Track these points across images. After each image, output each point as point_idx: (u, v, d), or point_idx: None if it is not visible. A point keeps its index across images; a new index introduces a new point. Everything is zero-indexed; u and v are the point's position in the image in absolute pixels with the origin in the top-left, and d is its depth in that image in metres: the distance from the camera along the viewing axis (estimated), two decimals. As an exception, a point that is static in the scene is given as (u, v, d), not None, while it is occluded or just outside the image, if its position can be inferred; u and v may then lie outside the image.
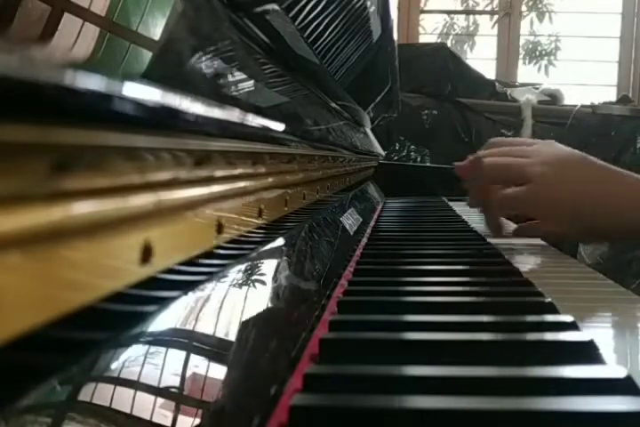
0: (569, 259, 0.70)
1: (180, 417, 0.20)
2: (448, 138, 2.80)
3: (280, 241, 0.41)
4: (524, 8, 3.61)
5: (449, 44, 3.45)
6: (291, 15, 0.53)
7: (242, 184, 0.33)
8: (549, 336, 0.34)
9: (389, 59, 1.31)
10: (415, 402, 0.26)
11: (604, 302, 0.48)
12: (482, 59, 3.58)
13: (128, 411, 0.18)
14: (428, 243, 0.69)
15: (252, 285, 0.32)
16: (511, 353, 0.32)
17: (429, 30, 3.73)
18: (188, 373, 0.22)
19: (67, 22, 0.17)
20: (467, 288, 0.47)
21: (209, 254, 0.28)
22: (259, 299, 0.33)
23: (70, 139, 0.16)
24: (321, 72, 0.73)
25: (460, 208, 1.09)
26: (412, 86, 2.67)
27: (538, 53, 3.67)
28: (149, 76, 0.20)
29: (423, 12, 3.67)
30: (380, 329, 0.36)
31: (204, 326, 0.25)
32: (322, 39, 0.69)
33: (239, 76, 0.33)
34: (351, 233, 0.68)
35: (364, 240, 0.72)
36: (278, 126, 0.36)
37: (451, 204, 1.21)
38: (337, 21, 0.72)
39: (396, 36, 1.30)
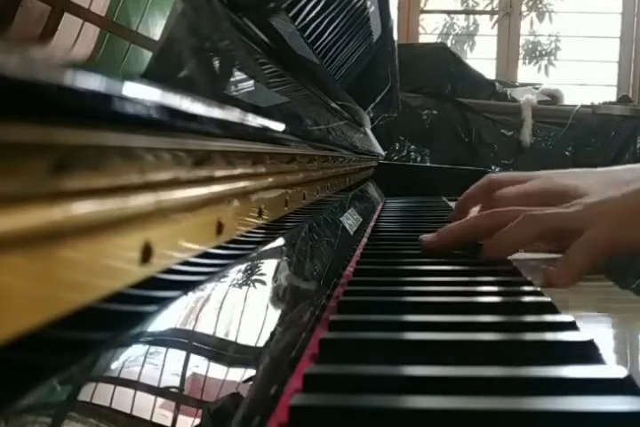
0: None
1: (180, 417, 0.20)
2: (448, 138, 2.80)
3: (280, 241, 0.41)
4: (524, 8, 3.61)
5: (449, 44, 3.45)
6: (291, 15, 0.53)
7: (242, 184, 0.33)
8: (549, 336, 0.34)
9: (389, 59, 1.31)
10: (415, 402, 0.26)
11: (605, 301, 0.48)
12: (482, 59, 3.58)
13: (128, 411, 0.18)
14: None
15: (252, 285, 0.32)
16: (511, 353, 0.32)
17: (429, 30, 3.74)
18: (188, 373, 0.22)
19: (67, 22, 0.17)
20: (467, 288, 0.47)
21: (209, 254, 0.28)
22: (259, 299, 0.33)
23: (70, 139, 0.16)
24: (321, 72, 0.73)
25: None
26: (412, 86, 2.67)
27: (538, 53, 3.67)
28: (149, 76, 0.20)
29: (423, 12, 3.67)
30: (380, 329, 0.36)
31: (204, 326, 0.25)
32: (322, 39, 0.69)
33: (239, 76, 0.33)
34: (351, 233, 0.68)
35: (364, 240, 0.72)
36: (278, 126, 0.36)
37: (451, 204, 1.21)
38: (337, 21, 0.72)
39: (395, 36, 1.30)
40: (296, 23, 0.56)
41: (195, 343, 0.24)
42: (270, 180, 0.40)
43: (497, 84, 3.04)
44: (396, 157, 2.74)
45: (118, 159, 0.19)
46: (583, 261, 0.52)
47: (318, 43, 0.68)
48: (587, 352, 0.32)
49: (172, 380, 0.21)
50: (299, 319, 0.36)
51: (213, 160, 0.28)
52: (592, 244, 0.52)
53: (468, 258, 0.59)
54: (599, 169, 0.71)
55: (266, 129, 0.33)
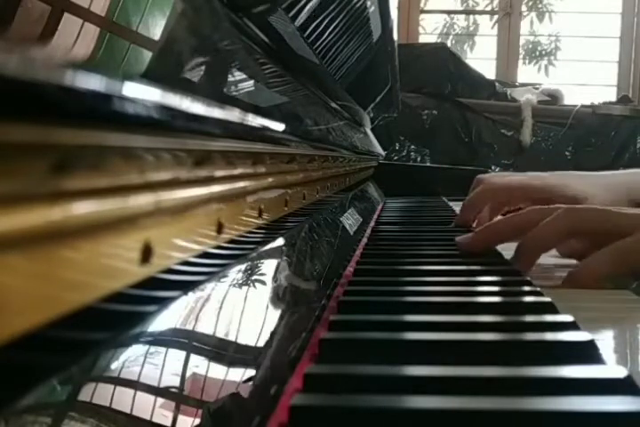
0: (568, 259, 0.70)
1: (180, 417, 0.20)
2: (448, 138, 2.81)
3: (280, 241, 0.41)
4: (524, 8, 3.61)
5: (449, 44, 3.46)
6: (291, 15, 0.53)
7: (242, 184, 0.33)
8: (549, 336, 0.34)
9: (389, 59, 1.31)
10: (415, 402, 0.26)
11: (604, 302, 0.48)
12: (482, 59, 3.59)
13: (128, 411, 0.18)
14: (428, 243, 0.69)
15: (252, 285, 0.32)
16: (511, 353, 0.32)
17: (429, 30, 3.74)
18: (188, 373, 0.22)
19: (67, 22, 0.17)
20: (467, 288, 0.47)
21: (209, 254, 0.28)
22: (259, 299, 0.33)
23: (70, 139, 0.16)
24: (321, 72, 0.73)
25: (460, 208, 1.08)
26: (412, 86, 2.67)
27: (538, 53, 3.68)
28: (149, 76, 0.20)
29: (423, 11, 3.68)
30: (380, 329, 0.36)
31: (204, 326, 0.25)
32: (322, 39, 0.69)
33: (239, 76, 0.33)
34: (351, 233, 0.68)
35: (364, 240, 0.72)
36: (278, 126, 0.36)
37: (451, 204, 1.21)
38: (337, 21, 0.72)
39: (395, 36, 1.30)
40: (296, 23, 0.56)
41: (195, 343, 0.24)
42: (270, 180, 0.40)
43: (497, 84, 3.05)
44: (396, 157, 2.75)
45: (118, 159, 0.19)
46: (616, 263, 0.50)
47: (318, 43, 0.68)
48: (587, 352, 0.32)
49: (171, 380, 0.21)
50: (298, 319, 0.36)
51: (213, 160, 0.28)
52: (634, 248, 0.50)
53: (468, 258, 0.59)
54: (591, 173, 0.71)
55: (266, 129, 0.33)
